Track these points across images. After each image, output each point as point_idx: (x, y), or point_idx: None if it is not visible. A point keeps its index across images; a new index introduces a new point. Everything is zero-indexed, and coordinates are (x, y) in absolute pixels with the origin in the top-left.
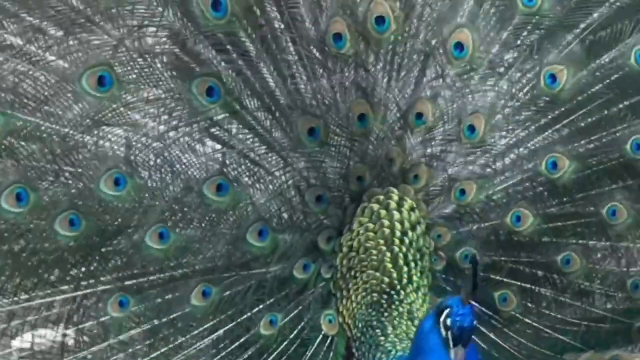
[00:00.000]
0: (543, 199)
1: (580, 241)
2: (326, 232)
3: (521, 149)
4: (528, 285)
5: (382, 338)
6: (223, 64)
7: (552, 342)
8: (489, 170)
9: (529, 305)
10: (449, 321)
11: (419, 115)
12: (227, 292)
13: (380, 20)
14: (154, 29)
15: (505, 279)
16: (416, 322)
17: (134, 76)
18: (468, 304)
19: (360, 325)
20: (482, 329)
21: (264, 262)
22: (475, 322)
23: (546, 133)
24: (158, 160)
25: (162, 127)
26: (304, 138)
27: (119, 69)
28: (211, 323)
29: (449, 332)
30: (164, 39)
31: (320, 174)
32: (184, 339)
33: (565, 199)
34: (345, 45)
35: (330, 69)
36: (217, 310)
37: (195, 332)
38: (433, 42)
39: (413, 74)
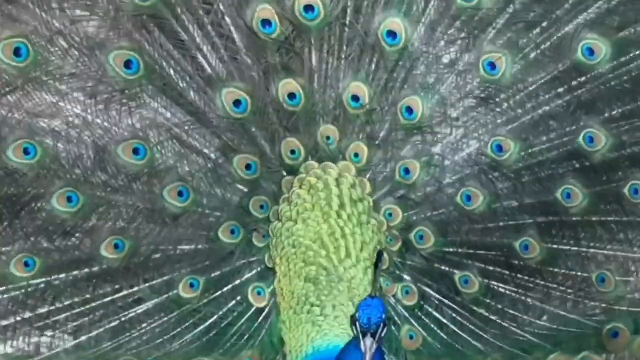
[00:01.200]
0: (492, 180)
1: (539, 219)
2: (258, 200)
3: (462, 130)
4: (490, 268)
5: (321, 318)
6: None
7: (519, 341)
8: (433, 151)
9: (493, 304)
10: (357, 314)
11: (355, 98)
12: (142, 246)
13: (309, 8)
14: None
15: (465, 260)
16: (356, 299)
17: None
18: (376, 297)
19: (298, 301)
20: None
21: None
22: (383, 315)
23: (489, 116)
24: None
25: (80, 98)
26: (228, 108)
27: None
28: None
29: (357, 323)
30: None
31: (248, 142)
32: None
33: (514, 181)
34: (275, 31)
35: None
36: (131, 265)
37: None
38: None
39: (349, 59)
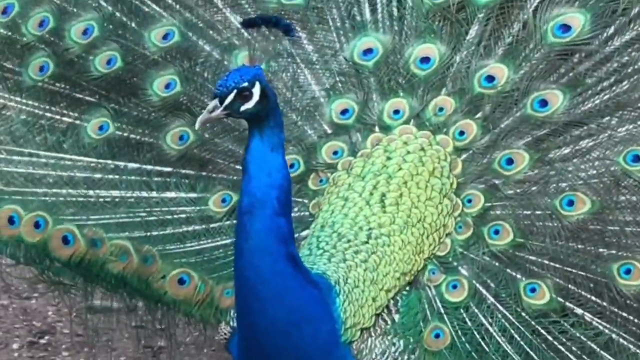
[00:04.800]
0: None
1: None
2: (335, 145)
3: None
4: (572, 287)
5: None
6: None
7: None
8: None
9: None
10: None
11: (490, 78)
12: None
13: None
14: None
15: (540, 270)
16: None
17: None
18: (258, 67)
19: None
20: None
21: None
22: (245, 83)
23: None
24: None
25: None
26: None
27: None
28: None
29: None
30: None
31: (357, 88)
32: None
33: None
34: None
35: None
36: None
37: None
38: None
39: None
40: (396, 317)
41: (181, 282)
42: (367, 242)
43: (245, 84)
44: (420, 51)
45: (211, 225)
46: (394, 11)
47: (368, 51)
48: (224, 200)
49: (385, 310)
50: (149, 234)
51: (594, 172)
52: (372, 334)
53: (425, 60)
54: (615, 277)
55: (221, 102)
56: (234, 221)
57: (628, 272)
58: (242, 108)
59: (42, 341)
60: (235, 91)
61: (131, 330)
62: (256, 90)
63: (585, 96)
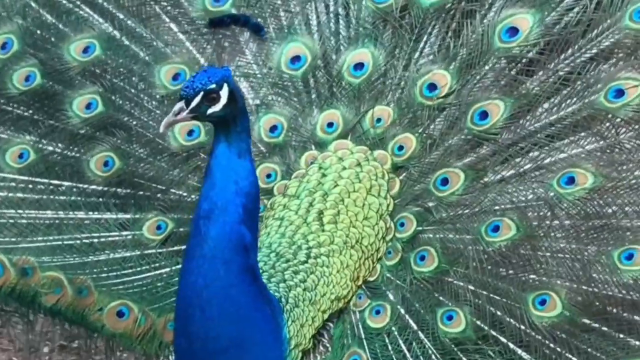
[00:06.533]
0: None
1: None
2: (268, 168)
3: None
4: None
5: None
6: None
7: None
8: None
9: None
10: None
11: (432, 86)
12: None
13: None
14: None
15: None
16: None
17: None
18: (226, 67)
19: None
20: None
21: None
22: (212, 85)
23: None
24: None
25: None
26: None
27: None
28: None
29: None
30: None
31: (286, 101)
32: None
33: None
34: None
35: None
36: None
37: None
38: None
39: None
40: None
41: (120, 314)
42: (306, 262)
43: (213, 86)
44: (354, 57)
45: (146, 252)
46: (337, 15)
47: (296, 59)
48: (159, 227)
49: (326, 336)
50: (83, 259)
51: (529, 196)
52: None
53: (359, 66)
54: (529, 307)
55: (187, 105)
56: (170, 249)
57: (543, 302)
58: (209, 111)
59: (74, 345)
60: (202, 93)
61: None
62: (224, 93)
63: (533, 114)
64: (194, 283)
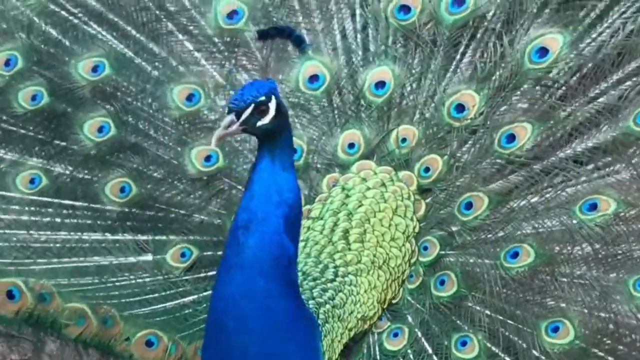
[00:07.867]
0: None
1: None
2: None
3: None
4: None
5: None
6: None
7: None
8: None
9: None
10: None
11: (460, 107)
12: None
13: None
14: None
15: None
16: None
17: None
18: (270, 79)
19: None
20: None
21: None
22: (262, 97)
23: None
24: None
25: None
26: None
27: None
28: None
29: None
30: None
31: (305, 124)
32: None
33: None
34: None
35: None
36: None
37: None
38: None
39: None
40: None
41: (149, 344)
42: (334, 280)
43: (263, 98)
44: (374, 75)
45: (169, 278)
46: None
47: (314, 78)
48: (183, 255)
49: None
50: (101, 279)
51: (553, 221)
52: None
53: (380, 85)
54: (541, 334)
55: (237, 117)
56: (197, 275)
57: (556, 330)
58: (259, 123)
59: None
60: (253, 105)
61: None
62: (272, 105)
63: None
64: (230, 294)
